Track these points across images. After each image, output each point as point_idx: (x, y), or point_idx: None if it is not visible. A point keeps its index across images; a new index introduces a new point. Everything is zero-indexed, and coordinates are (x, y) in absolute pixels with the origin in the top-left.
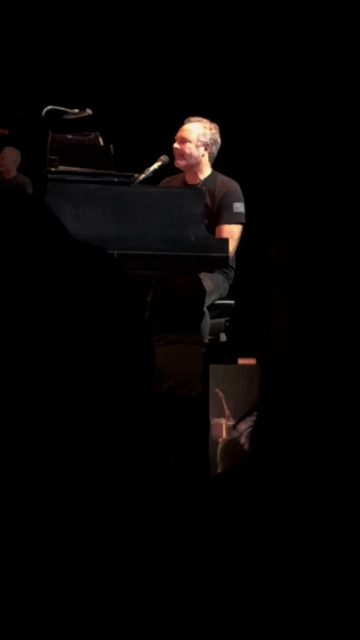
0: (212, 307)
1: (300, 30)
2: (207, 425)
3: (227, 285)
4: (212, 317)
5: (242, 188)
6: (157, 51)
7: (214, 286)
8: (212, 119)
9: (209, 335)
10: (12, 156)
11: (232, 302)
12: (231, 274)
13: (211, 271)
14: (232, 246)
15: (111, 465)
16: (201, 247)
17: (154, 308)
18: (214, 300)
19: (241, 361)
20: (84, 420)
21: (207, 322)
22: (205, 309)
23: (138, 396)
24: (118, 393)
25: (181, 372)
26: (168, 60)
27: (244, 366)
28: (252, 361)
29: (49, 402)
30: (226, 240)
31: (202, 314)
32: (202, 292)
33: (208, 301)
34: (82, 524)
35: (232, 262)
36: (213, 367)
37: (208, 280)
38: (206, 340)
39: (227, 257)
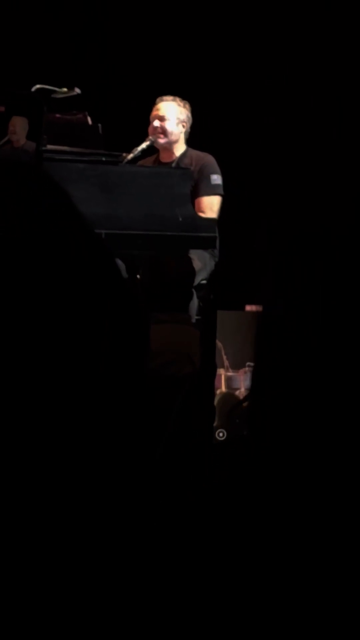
0: (198, 287)
1: (284, 17)
2: (213, 373)
3: (213, 264)
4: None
5: (227, 168)
6: (146, 30)
7: (202, 265)
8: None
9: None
10: (22, 124)
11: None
12: (217, 251)
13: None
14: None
15: (109, 458)
16: (189, 227)
17: (143, 287)
18: (202, 280)
19: (248, 308)
20: (83, 411)
21: (195, 301)
22: (193, 289)
23: (133, 382)
24: (115, 382)
25: (170, 351)
26: (157, 39)
27: (250, 312)
28: (259, 308)
29: (49, 393)
30: (214, 220)
31: (191, 294)
32: (191, 271)
33: (196, 280)
34: (82, 514)
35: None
36: (220, 313)
37: (196, 260)
38: (194, 320)
39: (215, 237)
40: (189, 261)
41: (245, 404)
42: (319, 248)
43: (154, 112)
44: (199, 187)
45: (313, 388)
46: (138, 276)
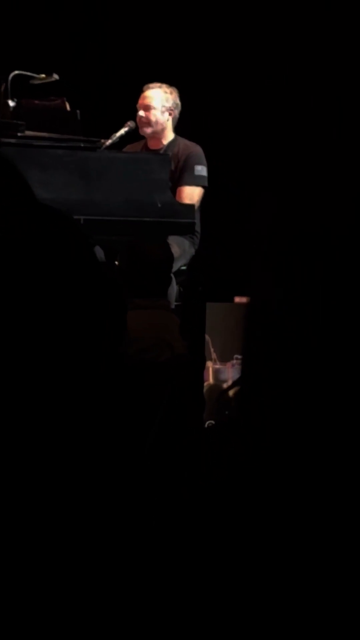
0: (177, 273)
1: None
2: (202, 364)
3: (192, 251)
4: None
5: (216, 155)
6: (126, 17)
7: (181, 252)
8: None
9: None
10: None
11: (184, 268)
12: (197, 239)
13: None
14: None
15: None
16: (168, 213)
17: (121, 273)
18: (181, 266)
19: (237, 299)
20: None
21: (174, 287)
22: (171, 275)
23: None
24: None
25: (148, 337)
26: (137, 23)
27: (239, 304)
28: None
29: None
30: (192, 206)
31: (170, 279)
32: (170, 257)
33: (175, 267)
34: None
35: (197, 228)
36: (210, 305)
37: (175, 246)
38: (173, 306)
39: (194, 222)
40: (167, 247)
41: (231, 391)
42: (307, 240)
43: (140, 101)
44: (182, 177)
45: (302, 378)
46: (116, 262)
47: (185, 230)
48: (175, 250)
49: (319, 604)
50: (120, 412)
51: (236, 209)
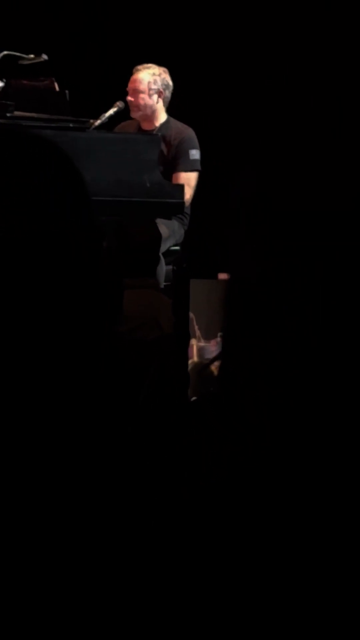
0: (167, 253)
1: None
2: (186, 340)
3: (182, 232)
4: (166, 264)
5: (199, 135)
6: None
7: (170, 232)
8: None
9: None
10: None
11: (178, 248)
12: (186, 220)
13: (167, 217)
14: (189, 193)
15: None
16: (157, 193)
17: (110, 253)
18: (170, 247)
19: (221, 276)
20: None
21: (163, 267)
22: (160, 255)
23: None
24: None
25: (138, 316)
26: (128, 3)
27: (223, 281)
28: None
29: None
30: (181, 186)
31: (158, 259)
32: (157, 237)
33: (164, 247)
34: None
35: (188, 209)
36: (193, 282)
37: (164, 227)
38: (162, 286)
39: (183, 203)
40: (155, 227)
41: (213, 366)
42: (287, 215)
43: (129, 85)
44: (177, 162)
45: (283, 352)
46: (104, 243)
47: (174, 210)
48: (163, 230)
49: (317, 596)
50: (111, 389)
51: (221, 187)
